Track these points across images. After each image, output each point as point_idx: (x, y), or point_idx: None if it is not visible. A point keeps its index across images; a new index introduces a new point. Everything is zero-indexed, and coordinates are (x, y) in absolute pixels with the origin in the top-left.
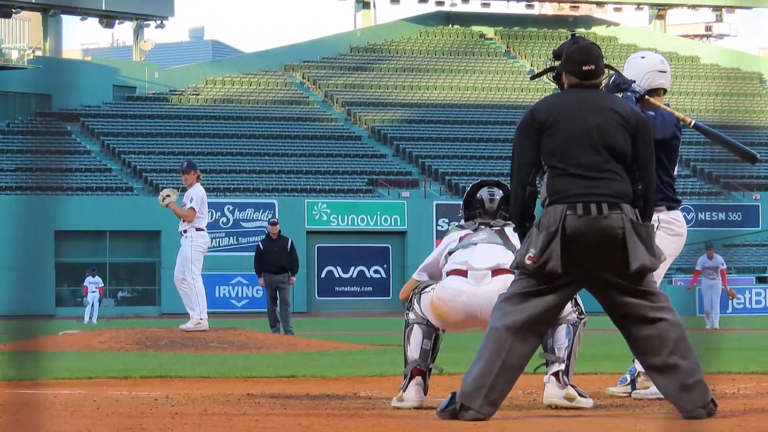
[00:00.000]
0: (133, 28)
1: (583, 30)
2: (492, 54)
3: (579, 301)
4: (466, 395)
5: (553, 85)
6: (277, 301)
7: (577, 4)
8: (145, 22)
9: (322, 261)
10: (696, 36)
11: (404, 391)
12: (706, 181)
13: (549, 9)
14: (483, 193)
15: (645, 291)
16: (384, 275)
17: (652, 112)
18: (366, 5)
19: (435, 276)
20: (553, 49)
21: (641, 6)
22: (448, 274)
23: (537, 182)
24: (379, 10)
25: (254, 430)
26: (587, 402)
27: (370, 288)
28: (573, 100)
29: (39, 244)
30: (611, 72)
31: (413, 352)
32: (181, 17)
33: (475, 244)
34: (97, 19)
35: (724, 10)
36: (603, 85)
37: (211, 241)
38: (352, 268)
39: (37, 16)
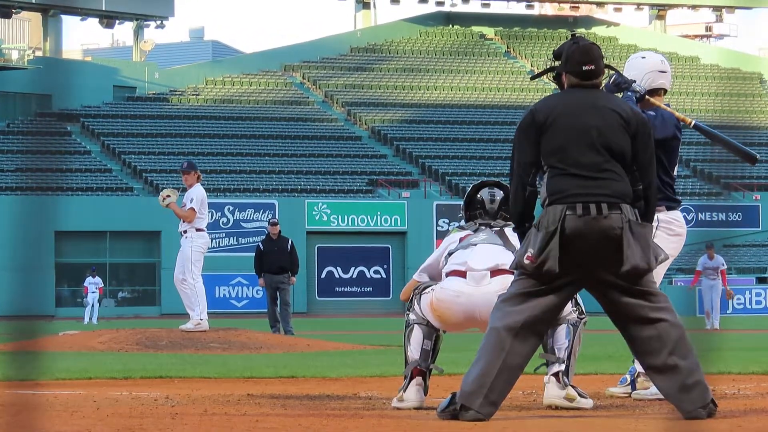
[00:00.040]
0: (133, 29)
1: (583, 30)
2: (492, 54)
3: (579, 300)
4: (466, 395)
5: (553, 85)
6: (277, 302)
7: (577, 5)
8: (145, 23)
9: (322, 261)
10: (696, 36)
11: (404, 391)
12: (706, 181)
13: (549, 9)
14: (484, 193)
15: (644, 291)
16: (384, 275)
17: (652, 112)
18: (366, 5)
19: (435, 277)
20: (553, 49)
21: (641, 6)
22: (448, 275)
23: (537, 182)
24: (379, 11)
25: (254, 430)
26: (587, 402)
27: (370, 288)
28: (573, 100)
29: (39, 244)
30: (611, 72)
31: (414, 352)
32: (181, 17)
33: (475, 245)
34: (97, 20)
35: (724, 10)
36: (603, 85)
37: (211, 241)
38: (352, 268)
39: (37, 17)
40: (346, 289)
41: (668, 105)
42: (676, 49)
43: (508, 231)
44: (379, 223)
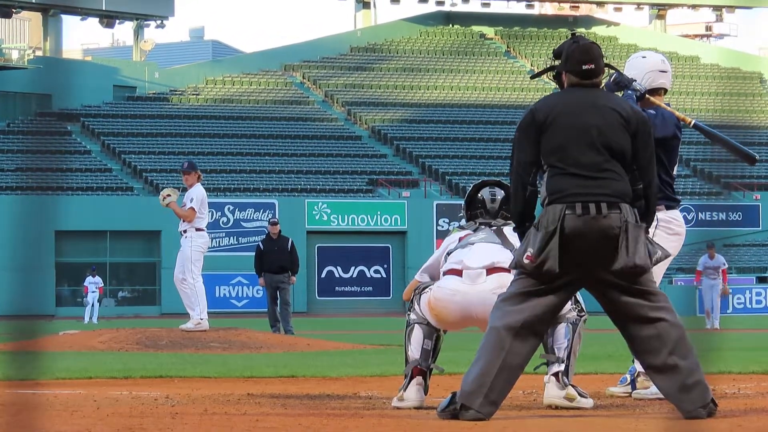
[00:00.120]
0: (133, 28)
1: (583, 30)
2: (492, 54)
3: (579, 298)
4: (466, 395)
5: (553, 85)
6: (278, 301)
7: (577, 4)
8: (146, 22)
9: (322, 261)
10: (696, 36)
11: (405, 390)
12: (706, 181)
13: (549, 9)
14: (484, 193)
15: (644, 291)
16: (384, 275)
17: (652, 111)
18: (366, 5)
19: (436, 277)
20: (553, 48)
21: (641, 6)
22: (445, 273)
23: (537, 182)
24: (379, 10)
25: (254, 430)
26: (587, 402)
27: (370, 288)
28: (573, 99)
29: (39, 244)
30: (611, 71)
31: (414, 351)
32: (181, 17)
33: (473, 244)
34: (97, 19)
35: (724, 10)
36: (603, 84)
37: (211, 241)
38: (353, 268)
39: (37, 16)
40: (346, 289)
41: (668, 104)
42: (676, 48)
43: (507, 230)
44: (379, 223)
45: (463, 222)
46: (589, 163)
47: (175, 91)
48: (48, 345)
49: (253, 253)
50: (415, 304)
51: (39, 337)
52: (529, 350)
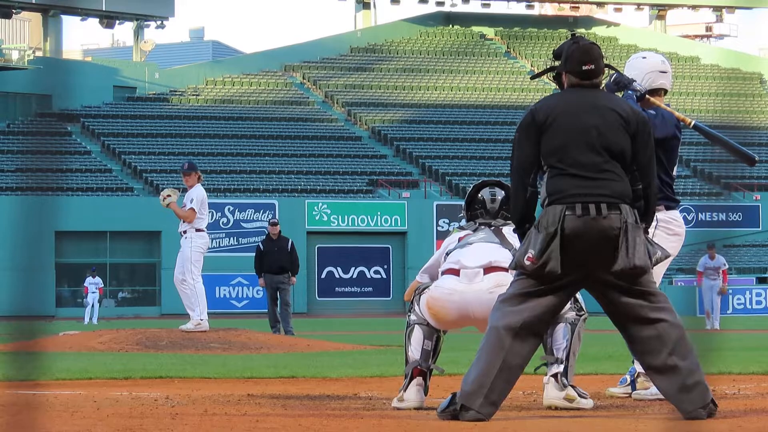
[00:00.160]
0: (133, 29)
1: (583, 30)
2: (492, 54)
3: (579, 297)
4: (466, 396)
5: (553, 85)
6: (278, 302)
7: (577, 5)
8: (146, 23)
9: (322, 261)
10: (696, 36)
11: (405, 391)
12: (706, 181)
13: (549, 9)
14: (485, 193)
15: (644, 291)
16: (384, 276)
17: (652, 111)
18: (366, 5)
19: (436, 277)
20: (553, 49)
21: (641, 6)
22: (443, 273)
23: (537, 183)
24: (379, 11)
25: (254, 430)
26: (588, 403)
27: (370, 288)
28: (573, 99)
29: (39, 244)
30: (611, 72)
31: (414, 352)
32: (182, 17)
33: (471, 244)
34: (97, 20)
35: (724, 10)
36: (603, 84)
37: (211, 241)
38: (353, 268)
39: (37, 17)
40: (346, 289)
41: (668, 105)
42: (676, 49)
43: (506, 230)
44: (379, 223)
45: (463, 222)
46: (588, 164)
47: (175, 91)
48: (48, 345)
49: (253, 254)
50: (415, 304)
51: (39, 338)
52: (529, 350)
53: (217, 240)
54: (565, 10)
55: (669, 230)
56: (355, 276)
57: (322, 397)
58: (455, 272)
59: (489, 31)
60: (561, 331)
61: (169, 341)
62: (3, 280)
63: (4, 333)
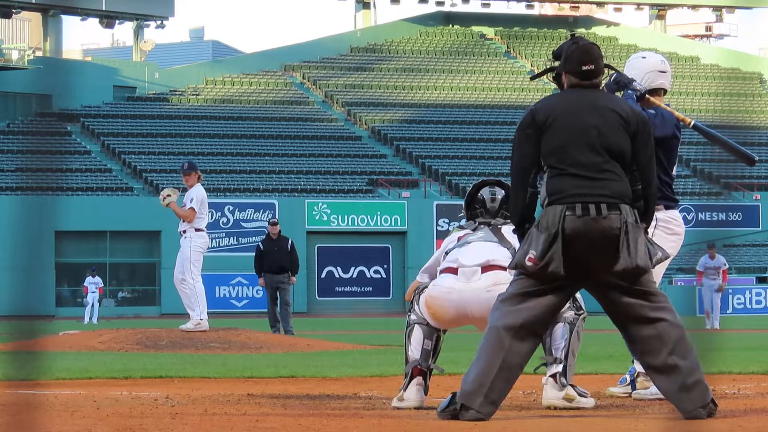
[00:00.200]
0: (133, 29)
1: (583, 30)
2: (492, 54)
3: (578, 296)
4: (466, 395)
5: (553, 85)
6: (278, 302)
7: (577, 5)
8: (146, 23)
9: (322, 261)
10: (696, 36)
11: (405, 391)
12: (706, 181)
13: (549, 9)
14: (484, 192)
15: (644, 291)
16: (384, 275)
17: (652, 111)
18: (366, 5)
19: (435, 277)
20: (553, 49)
21: (641, 6)
22: (442, 272)
23: (537, 183)
24: (379, 10)
25: (254, 430)
26: (588, 402)
27: (370, 288)
28: (573, 100)
29: (39, 244)
30: (611, 71)
31: (414, 352)
32: (181, 17)
33: (470, 243)
34: (97, 20)
35: (724, 10)
36: (603, 84)
37: (211, 241)
38: (353, 268)
39: (37, 17)
40: (346, 289)
41: (668, 105)
42: (676, 49)
43: (505, 228)
44: (379, 223)
45: (463, 222)
46: (588, 164)
47: (175, 91)
48: (48, 345)
49: (253, 254)
50: (415, 304)
51: (39, 338)
52: (529, 350)
53: (217, 240)
54: (565, 9)
55: (668, 230)
56: (355, 276)
57: (321, 396)
58: (453, 271)
59: (489, 31)
60: (560, 330)
61: (169, 341)
62: (3, 280)
63: (4, 333)
